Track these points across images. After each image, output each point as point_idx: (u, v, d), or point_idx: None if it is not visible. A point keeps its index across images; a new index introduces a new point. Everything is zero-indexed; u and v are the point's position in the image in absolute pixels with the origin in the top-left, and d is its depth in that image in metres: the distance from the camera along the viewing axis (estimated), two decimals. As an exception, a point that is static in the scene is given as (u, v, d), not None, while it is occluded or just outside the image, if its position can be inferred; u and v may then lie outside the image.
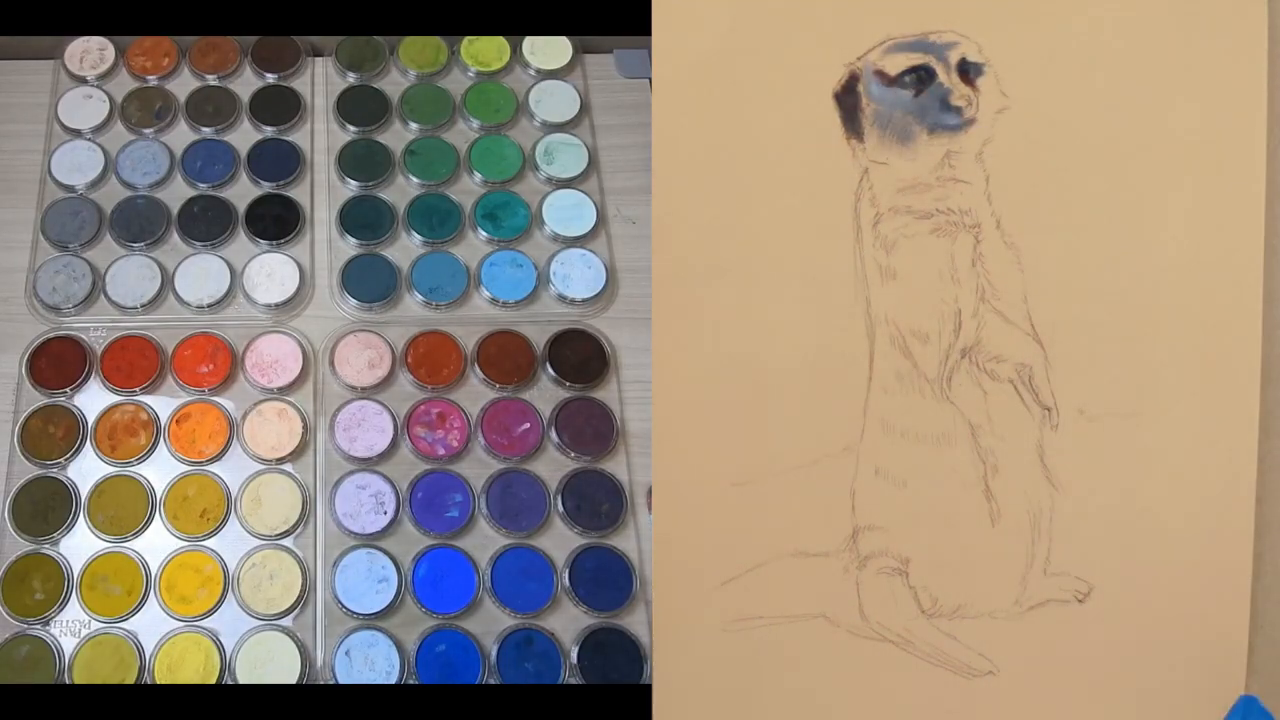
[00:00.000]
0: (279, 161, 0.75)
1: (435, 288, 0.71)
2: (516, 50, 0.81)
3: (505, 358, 0.69)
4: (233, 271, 0.71)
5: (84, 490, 0.63)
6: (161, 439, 0.65)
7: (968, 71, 0.54)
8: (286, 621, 0.62)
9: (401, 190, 0.75)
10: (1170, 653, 0.53)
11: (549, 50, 0.81)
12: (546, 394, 0.69)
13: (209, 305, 0.70)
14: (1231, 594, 0.53)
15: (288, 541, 0.64)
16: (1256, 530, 0.53)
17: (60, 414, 0.65)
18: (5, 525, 0.62)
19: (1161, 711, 0.53)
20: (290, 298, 0.70)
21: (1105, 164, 0.53)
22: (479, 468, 0.66)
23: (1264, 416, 0.53)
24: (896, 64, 0.54)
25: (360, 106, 0.78)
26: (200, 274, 0.70)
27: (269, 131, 0.76)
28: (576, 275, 0.72)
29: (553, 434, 0.67)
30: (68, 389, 0.66)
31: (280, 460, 0.65)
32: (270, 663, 0.60)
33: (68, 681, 0.59)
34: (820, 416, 0.54)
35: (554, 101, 0.79)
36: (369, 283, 0.71)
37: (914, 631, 0.54)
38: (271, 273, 0.71)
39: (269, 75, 0.79)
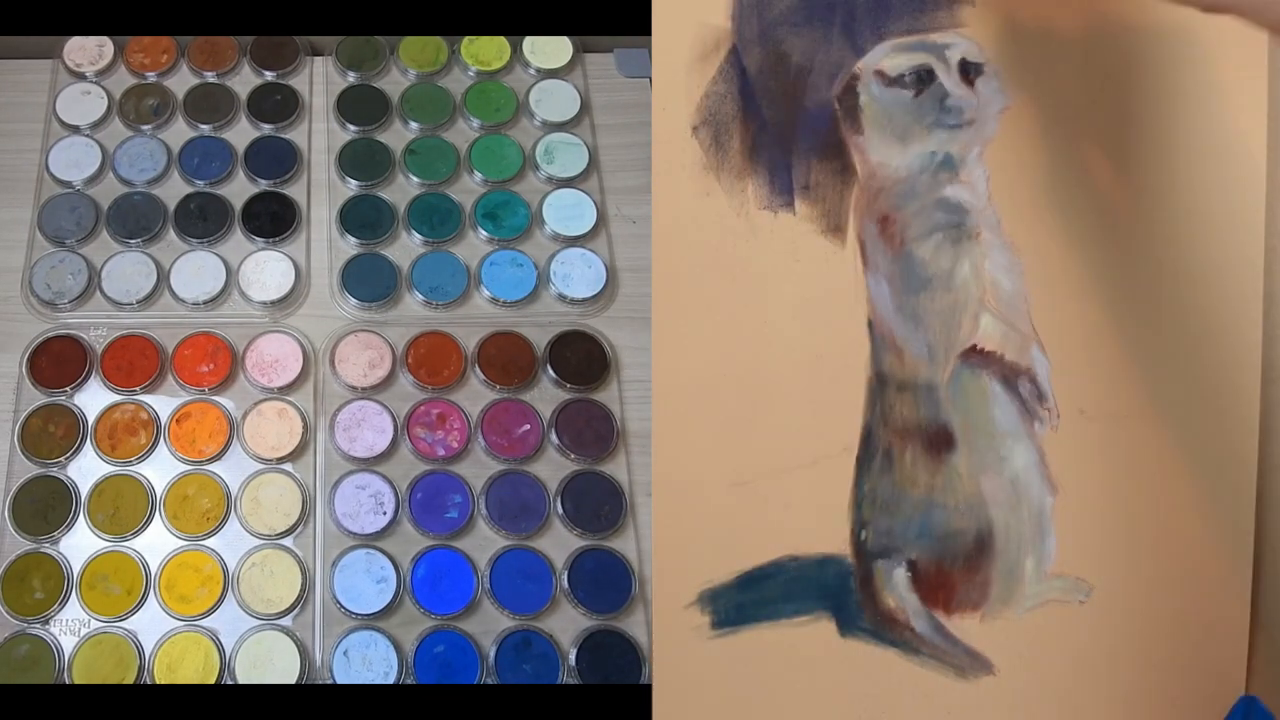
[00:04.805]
0: (276, 159, 0.75)
1: (435, 287, 0.71)
2: (516, 50, 0.81)
3: (505, 358, 0.69)
4: (228, 268, 0.71)
5: (84, 489, 0.63)
6: (161, 438, 0.65)
7: (968, 71, 0.54)
8: (286, 621, 0.62)
9: (402, 190, 0.75)
10: (1170, 653, 0.53)
11: (549, 50, 0.81)
12: (546, 395, 0.69)
13: (204, 302, 0.69)
14: (1231, 594, 0.53)
15: (287, 541, 0.63)
16: (1257, 530, 0.53)
17: (60, 413, 0.65)
18: (5, 524, 0.62)
19: (1161, 711, 0.53)
20: (285, 295, 0.70)
21: (1105, 164, 0.53)
22: (479, 469, 0.66)
23: (1264, 416, 0.53)
24: (896, 64, 0.54)
25: (360, 106, 0.77)
26: (196, 271, 0.70)
27: (266, 129, 0.76)
28: (577, 275, 0.72)
29: (553, 435, 0.67)
30: (68, 388, 0.66)
31: (280, 460, 0.65)
32: (269, 662, 0.60)
33: (67, 681, 0.59)
34: (820, 416, 0.54)
35: (554, 101, 0.79)
36: (369, 282, 0.71)
37: (914, 631, 0.54)
38: (267, 270, 0.71)
39: (267, 73, 0.78)
